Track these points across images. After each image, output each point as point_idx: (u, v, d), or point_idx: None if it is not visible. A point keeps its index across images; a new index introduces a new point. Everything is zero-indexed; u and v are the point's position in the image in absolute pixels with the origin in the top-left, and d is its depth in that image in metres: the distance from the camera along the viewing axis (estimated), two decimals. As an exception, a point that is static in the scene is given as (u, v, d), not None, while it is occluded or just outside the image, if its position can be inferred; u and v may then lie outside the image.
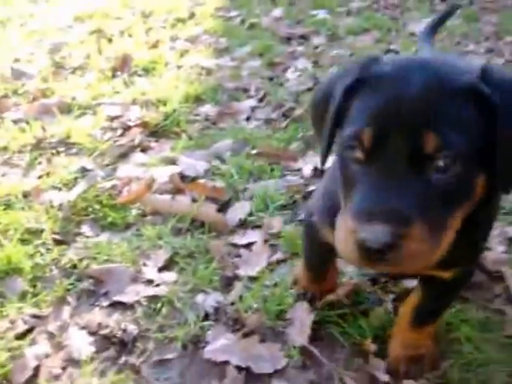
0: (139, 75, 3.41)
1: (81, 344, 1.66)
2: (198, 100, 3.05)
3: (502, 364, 1.56)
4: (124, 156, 2.55)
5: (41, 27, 4.24)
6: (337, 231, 1.06)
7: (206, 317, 1.71)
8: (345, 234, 1.02)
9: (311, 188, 2.23)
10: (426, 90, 1.01)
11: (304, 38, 3.94)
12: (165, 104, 2.96)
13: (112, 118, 2.86)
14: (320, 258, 1.61)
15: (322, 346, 1.61)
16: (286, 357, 1.58)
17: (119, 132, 2.75)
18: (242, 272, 1.86)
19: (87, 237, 2.07)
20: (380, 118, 1.01)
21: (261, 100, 3.06)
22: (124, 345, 1.65)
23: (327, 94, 1.17)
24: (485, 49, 3.66)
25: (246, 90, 3.18)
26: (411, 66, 1.06)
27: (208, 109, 2.96)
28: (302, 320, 1.65)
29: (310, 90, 3.10)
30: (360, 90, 1.08)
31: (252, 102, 3.03)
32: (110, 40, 3.96)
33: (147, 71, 3.46)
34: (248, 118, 2.90)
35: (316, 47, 3.77)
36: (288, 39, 3.93)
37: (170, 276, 1.87)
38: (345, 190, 1.09)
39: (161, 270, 1.90)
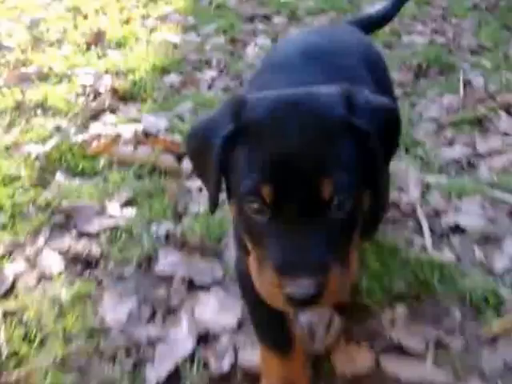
0: (112, 49, 3.70)
1: (52, 263, 1.97)
2: (164, 71, 3.36)
3: (404, 275, 1.88)
4: (95, 117, 2.86)
5: (20, 4, 4.51)
6: (258, 282, 1.08)
7: (158, 241, 2.02)
8: (268, 286, 1.05)
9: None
10: (306, 135, 1.03)
11: (266, 17, 4.25)
12: (133, 73, 3.25)
13: (85, 85, 3.16)
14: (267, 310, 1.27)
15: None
16: (223, 271, 1.90)
17: (91, 97, 3.06)
18: (191, 208, 2.18)
19: (61, 182, 2.37)
20: (273, 172, 1.02)
21: (221, 71, 3.37)
22: (89, 263, 1.97)
23: (204, 141, 1.16)
24: (430, 29, 4.00)
25: (208, 63, 3.49)
26: (282, 109, 1.07)
27: (173, 78, 3.28)
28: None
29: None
30: (239, 139, 1.08)
31: (213, 73, 3.34)
32: (85, 17, 4.25)
33: (119, 45, 3.75)
34: (209, 87, 3.21)
35: (276, 26, 4.08)
36: (251, 19, 4.24)
37: (130, 211, 2.18)
38: (253, 240, 1.11)
39: (122, 206, 2.21)
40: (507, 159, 2.56)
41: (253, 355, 1.57)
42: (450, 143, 2.67)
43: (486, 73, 3.33)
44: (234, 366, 1.57)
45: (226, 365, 1.56)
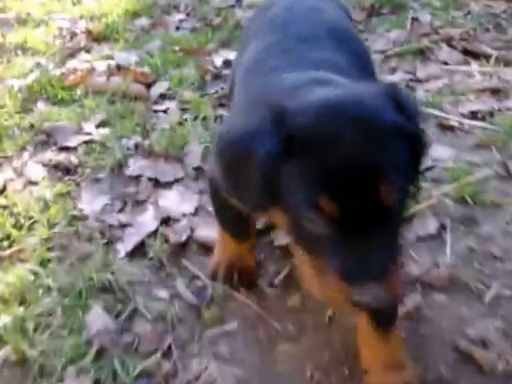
0: (86, -3, 3.97)
1: (37, 172, 2.27)
2: (136, 15, 3.63)
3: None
4: (71, 55, 3.14)
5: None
6: (318, 288, 1.08)
7: (129, 151, 2.33)
8: (332, 293, 1.04)
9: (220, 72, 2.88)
10: (361, 142, 0.98)
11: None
12: (106, 17, 3.53)
13: (62, 28, 3.43)
14: (231, 212, 1.46)
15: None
16: (183, 172, 2.22)
17: (68, 39, 3.33)
18: (158, 125, 2.49)
19: (42, 109, 2.67)
20: (334, 185, 0.97)
21: (188, 14, 3.65)
22: (68, 170, 2.27)
23: (243, 155, 1.07)
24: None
25: (176, 7, 3.77)
26: (331, 116, 1.01)
27: (143, 21, 3.56)
28: (196, 151, 2.29)
29: (230, 6, 3.71)
30: (288, 154, 1.01)
31: (181, 16, 3.63)
32: (60, -31, 4.48)
33: (93, -6, 4.01)
34: (177, 28, 3.49)
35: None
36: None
37: (105, 130, 2.49)
38: (311, 249, 1.07)
39: (97, 126, 2.51)
40: (443, 83, 2.88)
41: (206, 232, 1.90)
42: (393, 71, 2.97)
43: (434, 11, 3.61)
44: (190, 239, 1.89)
45: (183, 237, 1.88)
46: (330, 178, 0.97)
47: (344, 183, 0.96)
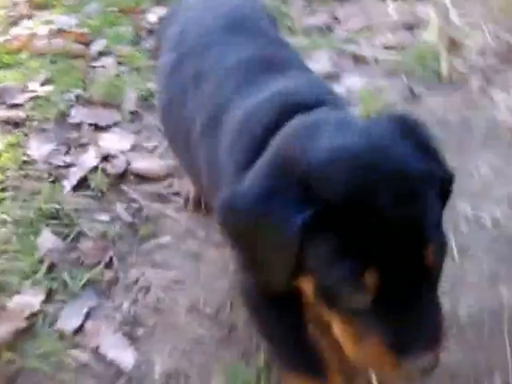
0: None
1: (-11, 128, 2.50)
2: (76, -18, 3.82)
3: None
4: (15, 23, 3.34)
5: None
6: (359, 356, 0.97)
7: (71, 102, 2.57)
8: (377, 362, 0.95)
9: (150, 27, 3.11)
10: (399, 202, 0.87)
11: None
12: (48, -14, 3.72)
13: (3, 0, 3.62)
14: (288, 322, 1.23)
15: (145, 108, 2.51)
16: (120, 117, 2.47)
17: (10, 8, 3.52)
18: (97, 79, 2.72)
19: (-11, 74, 2.89)
20: (375, 254, 0.86)
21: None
22: (17, 124, 2.51)
23: (264, 224, 0.92)
24: None
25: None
26: (364, 176, 0.88)
27: (83, -14, 3.74)
28: (132, 97, 2.54)
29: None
30: (320, 223, 0.87)
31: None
32: None
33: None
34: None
35: None
36: None
37: (49, 87, 2.71)
38: (344, 314, 0.96)
39: (42, 84, 2.74)
40: (361, 22, 3.14)
41: (141, 164, 2.17)
42: (314, 13, 3.23)
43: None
44: (127, 170, 2.16)
45: (121, 170, 2.14)
46: (373, 248, 0.86)
47: (388, 252, 0.86)
